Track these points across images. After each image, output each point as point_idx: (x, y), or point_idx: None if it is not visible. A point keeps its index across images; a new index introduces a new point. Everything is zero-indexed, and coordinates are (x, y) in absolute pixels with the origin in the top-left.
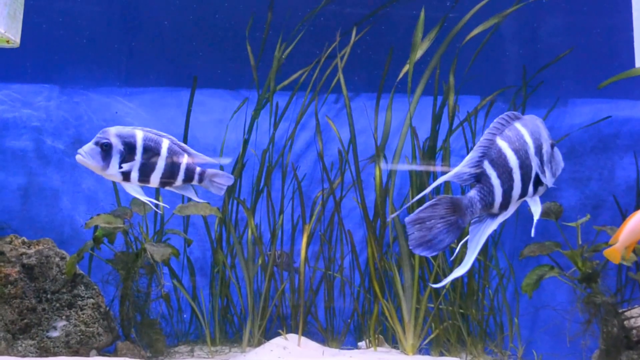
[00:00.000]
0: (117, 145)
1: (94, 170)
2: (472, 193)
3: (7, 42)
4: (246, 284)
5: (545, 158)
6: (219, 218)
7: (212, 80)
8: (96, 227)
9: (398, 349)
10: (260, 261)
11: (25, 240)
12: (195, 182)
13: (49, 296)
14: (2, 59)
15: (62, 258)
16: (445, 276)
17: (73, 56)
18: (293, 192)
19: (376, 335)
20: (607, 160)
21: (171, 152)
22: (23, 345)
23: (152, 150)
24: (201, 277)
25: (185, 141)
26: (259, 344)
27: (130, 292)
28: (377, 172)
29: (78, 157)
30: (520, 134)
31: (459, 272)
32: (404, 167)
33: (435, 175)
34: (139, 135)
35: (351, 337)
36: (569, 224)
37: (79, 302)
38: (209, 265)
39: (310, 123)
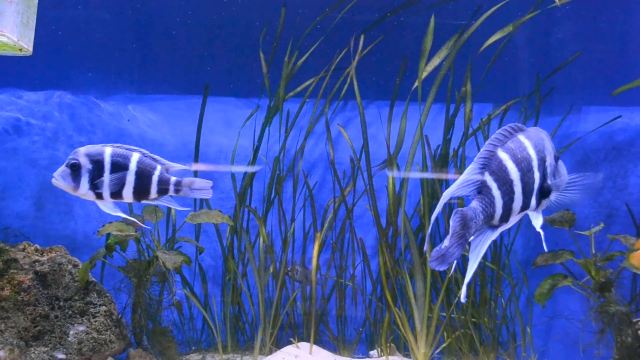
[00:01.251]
0: (86, 164)
1: (67, 191)
2: (474, 204)
3: (20, 50)
4: (258, 292)
5: (549, 171)
6: (230, 226)
7: (224, 87)
8: (108, 235)
9: (410, 357)
10: (272, 269)
11: (38, 247)
12: (172, 193)
13: (61, 303)
14: (15, 67)
15: (75, 265)
16: (458, 285)
17: (86, 63)
18: (305, 199)
19: (388, 344)
20: (620, 168)
21: (141, 166)
22: (36, 352)
23: (121, 166)
24: (213, 284)
25: (197, 148)
26: (271, 352)
27: (143, 300)
28: (390, 180)
29: (53, 180)
30: (523, 145)
31: (465, 281)
32: (417, 174)
33: (447, 183)
34: (107, 152)
35: (363, 345)
36: (583, 232)
37: (92, 310)
38: (221, 273)
39: (322, 130)
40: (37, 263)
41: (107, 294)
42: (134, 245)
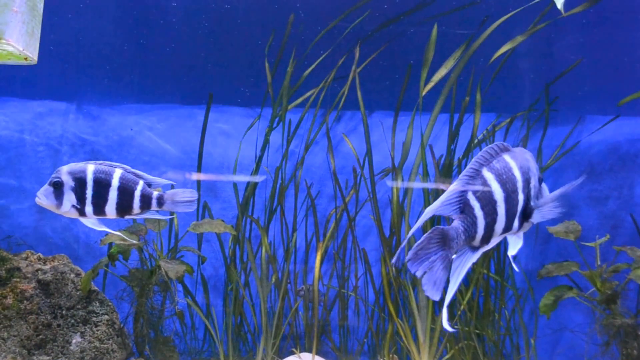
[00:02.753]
0: (68, 182)
1: (51, 209)
2: (456, 223)
3: (25, 59)
4: (260, 302)
5: (532, 193)
6: (233, 235)
7: (227, 97)
8: (111, 244)
9: None
10: (274, 279)
11: (41, 256)
12: (155, 208)
13: (64, 312)
14: (19, 76)
15: (77, 274)
16: (462, 296)
17: (89, 73)
18: (307, 209)
19: (390, 355)
20: (626, 179)
21: (123, 182)
22: None
23: (103, 182)
24: (215, 294)
25: (200, 157)
26: None
27: (145, 309)
28: (395, 191)
29: (36, 199)
30: (509, 166)
31: (445, 304)
32: (420, 184)
33: None
34: (90, 169)
35: (365, 357)
36: (588, 244)
37: (94, 319)
38: (223, 282)
39: (325, 139)
40: (39, 272)
41: (110, 303)
42: (137, 254)
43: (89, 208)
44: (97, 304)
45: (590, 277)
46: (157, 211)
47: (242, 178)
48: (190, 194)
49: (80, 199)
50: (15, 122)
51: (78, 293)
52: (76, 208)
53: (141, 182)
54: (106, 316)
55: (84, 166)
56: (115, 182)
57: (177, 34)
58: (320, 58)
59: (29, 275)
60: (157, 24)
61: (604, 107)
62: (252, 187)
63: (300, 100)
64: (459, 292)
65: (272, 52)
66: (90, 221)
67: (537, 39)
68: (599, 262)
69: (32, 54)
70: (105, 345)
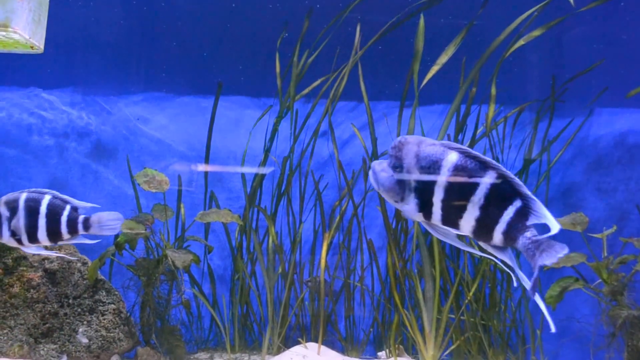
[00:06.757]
0: (5, 212)
1: None
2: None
3: (32, 47)
4: (266, 292)
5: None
6: (239, 225)
7: (235, 87)
8: (117, 233)
9: (418, 359)
10: (280, 269)
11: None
12: (82, 232)
13: (70, 301)
14: (25, 65)
15: (84, 263)
16: (468, 287)
17: (96, 63)
18: (315, 200)
19: (396, 345)
20: (633, 171)
21: (50, 208)
22: (45, 349)
23: (33, 210)
24: (221, 284)
25: (207, 148)
26: (279, 351)
27: (151, 298)
28: None
29: None
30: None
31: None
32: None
33: None
34: (22, 198)
35: (371, 347)
36: (595, 235)
37: (100, 308)
38: (229, 272)
39: (337, 130)
40: (46, 261)
41: (116, 292)
42: (143, 243)
43: (24, 237)
44: (104, 293)
45: (597, 269)
46: (86, 235)
47: (250, 170)
48: (115, 216)
49: (16, 227)
50: (22, 111)
51: (85, 282)
52: (14, 237)
53: (68, 207)
54: (113, 305)
55: (18, 195)
56: (43, 209)
57: (185, 23)
58: (321, 46)
59: (35, 264)
60: (164, 13)
61: (613, 100)
62: (259, 178)
63: (307, 90)
64: (465, 283)
65: (283, 44)
66: (31, 250)
67: (548, 31)
68: (605, 254)
69: (38, 43)
70: (112, 334)
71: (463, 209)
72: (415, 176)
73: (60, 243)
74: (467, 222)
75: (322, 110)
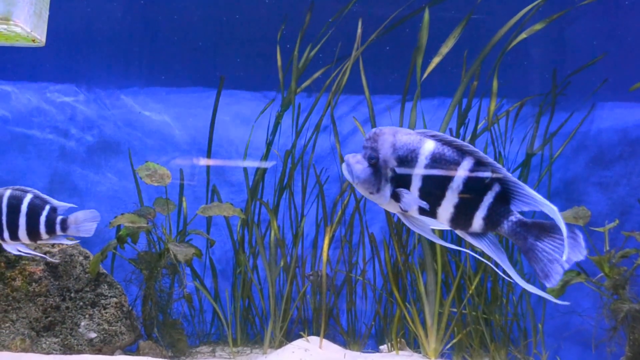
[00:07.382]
0: None
1: None
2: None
3: (33, 41)
4: (268, 286)
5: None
6: (241, 219)
7: (238, 81)
8: (119, 227)
9: (420, 353)
10: (282, 263)
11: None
12: (59, 232)
13: (72, 295)
14: (27, 58)
15: (86, 257)
16: (470, 281)
17: (99, 56)
18: (318, 194)
19: (398, 339)
20: (635, 165)
21: (30, 207)
22: (47, 342)
23: (14, 208)
24: (223, 277)
25: (210, 141)
26: (280, 345)
27: (153, 292)
28: None
29: None
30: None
31: None
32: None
33: None
34: (5, 195)
35: (373, 340)
36: (597, 229)
37: (102, 301)
38: (231, 266)
39: (338, 124)
40: (48, 254)
41: (118, 286)
42: (145, 237)
43: (5, 234)
44: (106, 287)
45: (599, 263)
46: (65, 235)
47: (252, 163)
48: (92, 215)
49: None
50: (24, 104)
51: (87, 276)
52: None
53: (47, 207)
54: (115, 299)
55: (2, 191)
56: (24, 208)
57: (187, 16)
58: (321, 42)
59: (37, 257)
60: (167, 6)
61: (615, 94)
62: (261, 171)
63: (308, 82)
64: (467, 277)
65: (287, 38)
66: (11, 248)
67: (549, 25)
68: (607, 248)
69: (40, 36)
70: (114, 328)
71: (442, 196)
72: (392, 165)
73: (39, 242)
74: (446, 210)
75: (324, 104)
